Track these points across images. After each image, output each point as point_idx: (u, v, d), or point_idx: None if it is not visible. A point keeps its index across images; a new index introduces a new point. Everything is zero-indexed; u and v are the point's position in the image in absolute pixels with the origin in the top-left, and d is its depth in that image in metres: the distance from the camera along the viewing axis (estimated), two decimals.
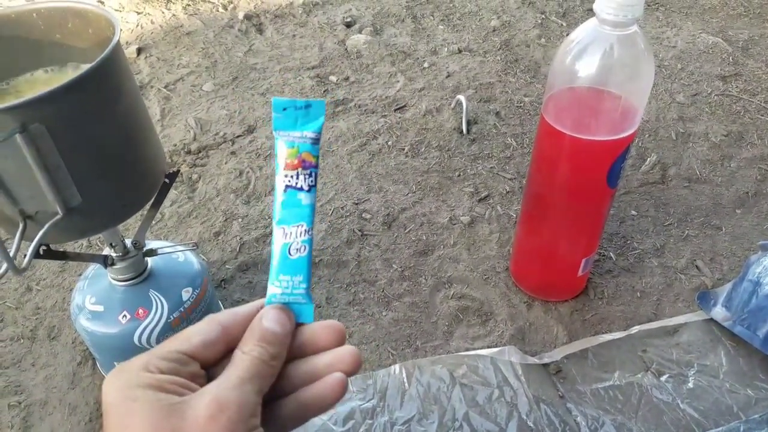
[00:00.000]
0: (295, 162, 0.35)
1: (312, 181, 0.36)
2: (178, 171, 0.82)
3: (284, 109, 0.35)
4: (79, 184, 0.66)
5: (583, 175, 0.86)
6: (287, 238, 0.35)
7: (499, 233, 1.21)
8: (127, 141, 0.70)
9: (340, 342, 0.33)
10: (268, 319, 0.32)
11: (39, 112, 0.59)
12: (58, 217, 0.67)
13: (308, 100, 0.35)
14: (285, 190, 0.35)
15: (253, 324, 0.31)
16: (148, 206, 0.85)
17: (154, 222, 1.24)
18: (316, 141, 0.36)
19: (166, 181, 0.81)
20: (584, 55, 0.79)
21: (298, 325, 0.35)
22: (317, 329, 0.34)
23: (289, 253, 0.35)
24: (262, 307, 0.34)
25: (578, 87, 0.82)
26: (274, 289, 0.35)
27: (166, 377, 0.27)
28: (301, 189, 0.35)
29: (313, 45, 1.78)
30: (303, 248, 0.35)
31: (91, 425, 0.92)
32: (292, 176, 0.35)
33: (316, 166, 0.36)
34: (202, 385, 0.29)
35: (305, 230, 0.35)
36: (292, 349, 0.33)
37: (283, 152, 0.35)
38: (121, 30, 0.68)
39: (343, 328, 0.34)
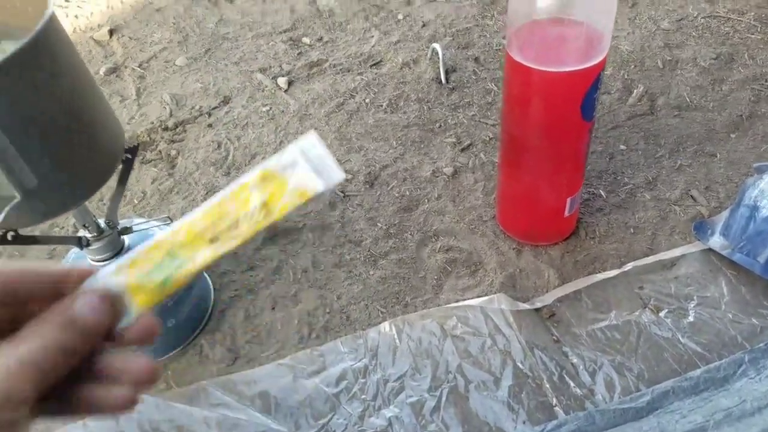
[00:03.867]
0: None
1: None
2: (138, 146, 0.79)
3: None
4: (32, 164, 0.64)
5: (555, 110, 0.83)
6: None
7: (483, 182, 1.18)
8: (75, 117, 0.68)
9: (149, 341, 0.28)
10: (84, 308, 0.25)
11: None
12: (16, 200, 0.65)
13: None
14: None
15: (63, 304, 0.25)
16: (113, 184, 0.83)
17: (137, 201, 1.22)
18: None
19: (128, 156, 0.79)
20: None
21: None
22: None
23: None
24: (70, 274, 0.27)
25: (540, 18, 0.78)
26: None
27: None
28: None
29: (284, 8, 1.72)
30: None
31: None
32: None
33: None
34: None
35: None
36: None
37: None
38: (54, 7, 0.65)
39: (157, 330, 0.28)
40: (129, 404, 0.26)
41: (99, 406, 0.26)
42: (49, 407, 0.25)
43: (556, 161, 0.91)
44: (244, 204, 0.28)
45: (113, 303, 0.26)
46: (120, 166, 0.81)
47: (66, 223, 1.22)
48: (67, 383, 0.25)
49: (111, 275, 0.28)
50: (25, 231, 0.75)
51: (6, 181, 0.63)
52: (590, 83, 0.78)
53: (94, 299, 0.26)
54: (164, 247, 0.28)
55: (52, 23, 0.65)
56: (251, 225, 0.28)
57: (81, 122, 0.70)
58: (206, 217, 0.28)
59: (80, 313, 0.25)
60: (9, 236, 0.75)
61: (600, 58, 0.77)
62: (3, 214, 0.65)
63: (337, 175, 0.28)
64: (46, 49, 0.64)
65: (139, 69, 1.58)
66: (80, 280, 0.27)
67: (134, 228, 0.91)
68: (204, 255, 0.28)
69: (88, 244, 0.86)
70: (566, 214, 0.99)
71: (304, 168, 0.28)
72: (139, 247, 0.28)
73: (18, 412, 0.22)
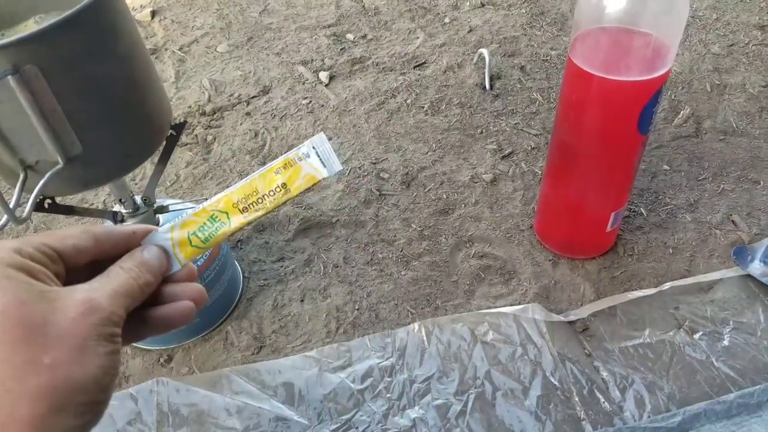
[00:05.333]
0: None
1: None
2: (185, 122, 0.79)
3: None
4: (79, 130, 0.63)
5: (613, 119, 0.81)
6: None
7: (523, 191, 1.16)
8: (127, 85, 0.67)
9: (192, 280, 0.36)
10: (151, 254, 0.33)
11: (31, 52, 0.57)
12: (58, 166, 0.64)
13: None
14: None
15: (135, 251, 0.33)
16: (155, 160, 0.83)
17: (169, 184, 1.22)
18: None
19: (173, 132, 0.79)
20: None
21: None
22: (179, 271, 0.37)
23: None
24: (136, 233, 0.34)
25: (607, 24, 0.76)
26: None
27: (37, 266, 0.28)
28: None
29: (329, 3, 1.72)
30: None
31: None
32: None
33: None
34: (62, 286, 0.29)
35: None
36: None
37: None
38: None
39: (195, 270, 0.37)
40: (190, 314, 0.33)
41: (169, 319, 0.33)
42: (130, 330, 0.30)
43: (606, 173, 0.89)
44: (270, 184, 0.36)
45: (167, 255, 0.34)
46: (164, 143, 0.80)
47: (95, 199, 1.22)
48: (139, 310, 0.32)
49: (166, 233, 0.34)
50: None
51: (50, 146, 0.63)
52: (651, 95, 0.76)
53: (156, 250, 0.33)
54: (207, 213, 0.35)
55: None
56: (272, 200, 0.36)
57: (133, 91, 0.69)
58: (240, 192, 0.36)
59: (148, 259, 0.32)
60: (45, 204, 0.75)
61: (664, 71, 0.75)
62: (44, 180, 0.64)
63: (338, 166, 0.37)
64: (104, 13, 0.63)
65: (179, 52, 1.58)
66: (143, 237, 0.34)
67: (171, 208, 0.90)
68: (237, 221, 0.35)
69: (122, 220, 0.85)
70: (608, 228, 0.97)
71: (315, 159, 0.36)
72: (189, 211, 0.35)
73: (117, 328, 0.28)
